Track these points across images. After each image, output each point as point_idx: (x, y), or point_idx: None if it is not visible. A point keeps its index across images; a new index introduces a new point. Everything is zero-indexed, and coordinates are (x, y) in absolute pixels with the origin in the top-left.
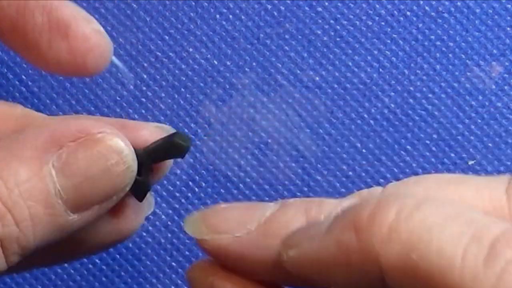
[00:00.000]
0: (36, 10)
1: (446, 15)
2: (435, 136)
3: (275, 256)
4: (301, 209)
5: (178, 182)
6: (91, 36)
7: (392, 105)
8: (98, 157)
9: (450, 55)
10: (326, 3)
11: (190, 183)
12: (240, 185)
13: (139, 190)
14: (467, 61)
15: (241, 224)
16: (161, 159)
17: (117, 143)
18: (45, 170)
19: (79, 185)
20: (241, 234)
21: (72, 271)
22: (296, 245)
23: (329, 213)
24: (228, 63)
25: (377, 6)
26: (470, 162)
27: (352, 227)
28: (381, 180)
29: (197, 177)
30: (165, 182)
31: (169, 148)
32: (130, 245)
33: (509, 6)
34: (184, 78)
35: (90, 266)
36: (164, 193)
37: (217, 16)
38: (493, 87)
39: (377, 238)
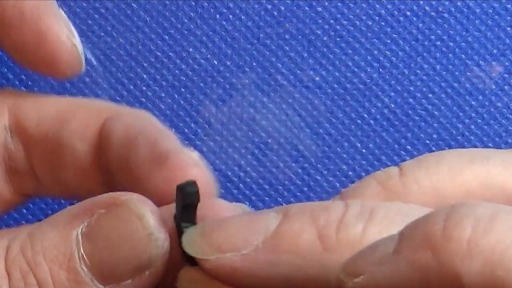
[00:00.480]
0: (141, 145)
1: (446, 15)
2: (435, 136)
3: (289, 272)
4: (307, 218)
5: None
6: (188, 167)
7: (392, 105)
8: (119, 220)
9: (450, 55)
10: (326, 3)
11: None
12: (240, 185)
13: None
14: (467, 61)
15: (246, 240)
16: (187, 216)
17: (139, 208)
18: (72, 235)
19: (101, 250)
20: (248, 252)
21: None
22: (364, 271)
23: (338, 219)
24: (228, 63)
25: (377, 6)
26: None
27: (426, 245)
28: None
29: None
30: None
31: (184, 200)
32: None
33: (509, 6)
34: (184, 78)
35: None
36: None
37: (217, 16)
38: (493, 87)
39: (457, 255)
